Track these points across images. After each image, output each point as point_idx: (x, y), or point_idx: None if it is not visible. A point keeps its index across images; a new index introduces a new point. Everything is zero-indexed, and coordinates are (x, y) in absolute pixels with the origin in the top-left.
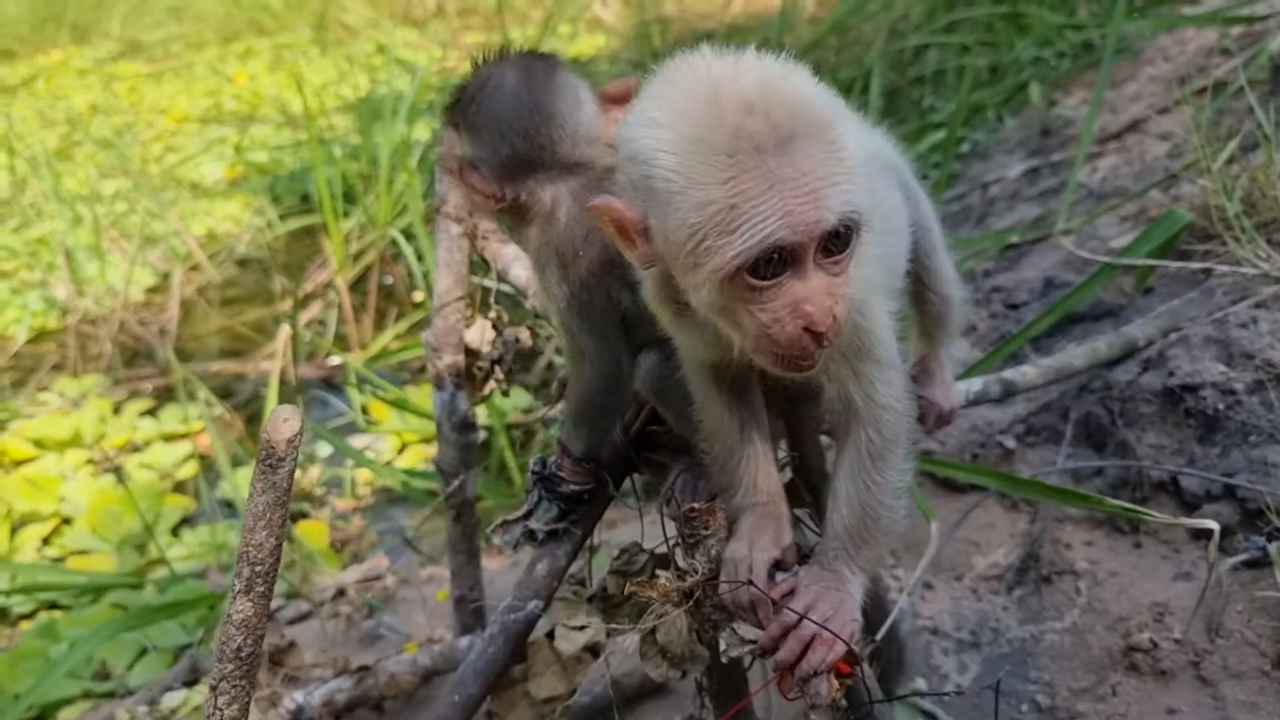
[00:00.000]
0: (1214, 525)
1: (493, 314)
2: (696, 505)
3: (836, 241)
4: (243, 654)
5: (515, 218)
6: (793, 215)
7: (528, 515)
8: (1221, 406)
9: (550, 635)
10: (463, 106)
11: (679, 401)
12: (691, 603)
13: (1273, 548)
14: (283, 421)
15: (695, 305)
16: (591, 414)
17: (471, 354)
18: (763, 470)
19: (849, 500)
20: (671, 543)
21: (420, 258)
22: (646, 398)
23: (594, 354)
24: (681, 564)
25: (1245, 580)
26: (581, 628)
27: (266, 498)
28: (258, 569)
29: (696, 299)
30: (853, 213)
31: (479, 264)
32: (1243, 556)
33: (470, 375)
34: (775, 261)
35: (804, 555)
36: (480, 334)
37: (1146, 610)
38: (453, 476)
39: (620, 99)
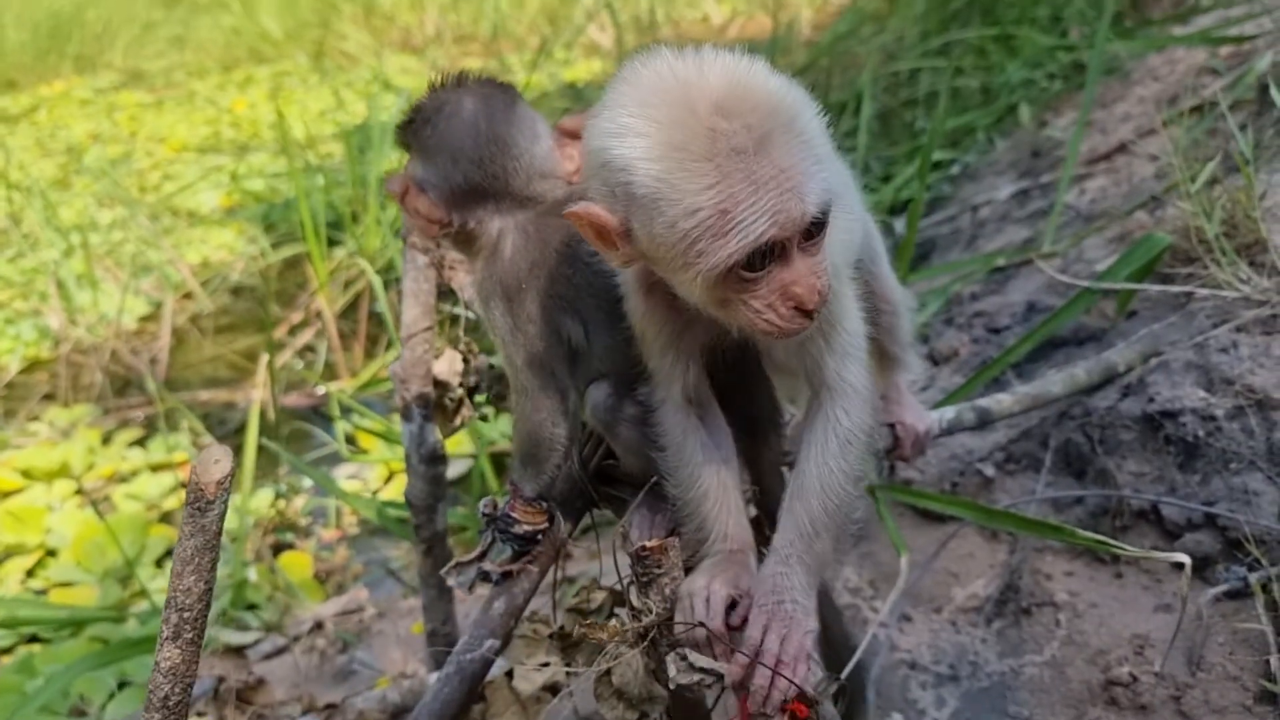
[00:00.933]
0: (1185, 559)
1: (462, 345)
2: (648, 544)
3: (814, 226)
4: (170, 702)
5: (460, 245)
6: (780, 214)
7: (481, 556)
8: (1202, 433)
9: (509, 675)
10: (416, 128)
11: (630, 435)
12: (647, 642)
13: (1254, 578)
14: (213, 463)
15: (684, 297)
16: (538, 452)
17: (440, 385)
18: (734, 518)
19: (814, 485)
20: (626, 581)
21: None
22: (596, 431)
23: (537, 389)
24: (636, 603)
25: (1227, 611)
26: (542, 666)
27: (195, 541)
28: (186, 615)
29: (686, 292)
30: (829, 199)
31: (449, 293)
32: (1223, 587)
33: (441, 407)
34: (764, 253)
35: None
36: (449, 365)
37: (1127, 643)
38: (422, 509)
39: (576, 134)
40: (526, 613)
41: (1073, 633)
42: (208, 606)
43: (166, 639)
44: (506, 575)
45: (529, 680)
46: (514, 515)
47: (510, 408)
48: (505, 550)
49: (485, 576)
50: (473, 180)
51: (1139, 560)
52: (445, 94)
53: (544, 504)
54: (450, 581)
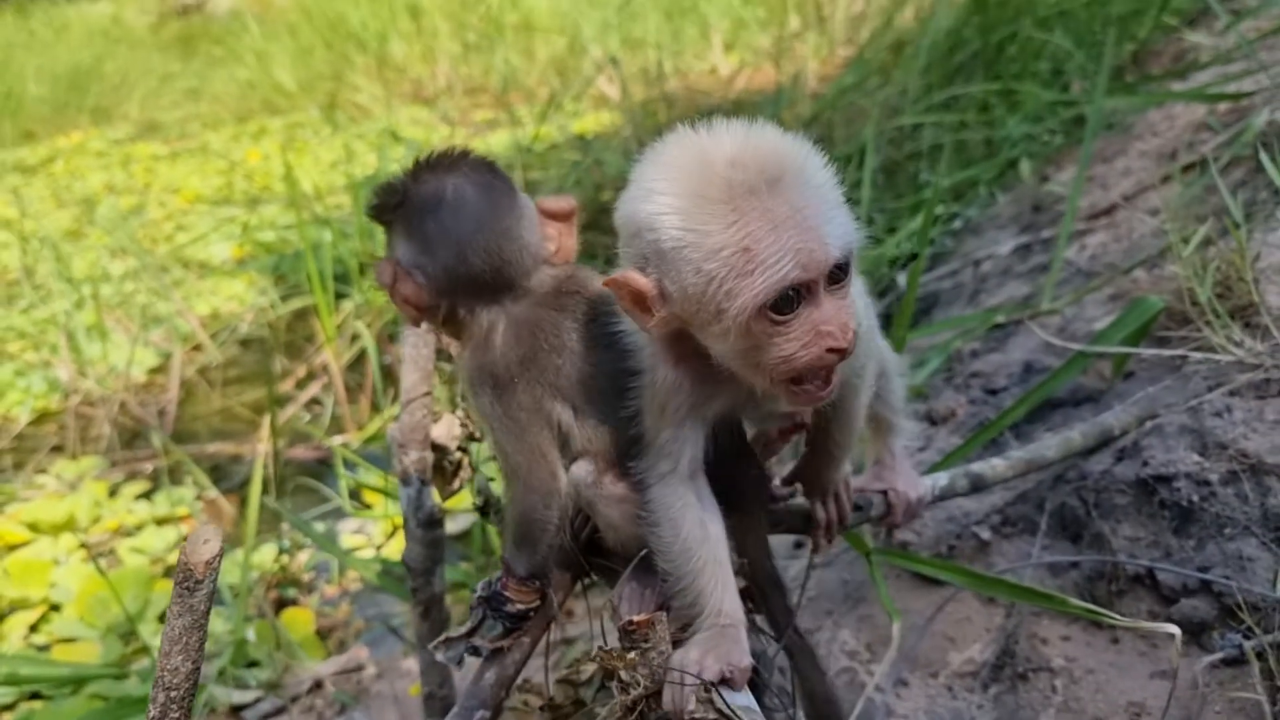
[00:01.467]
0: (1175, 630)
1: (460, 410)
2: (635, 618)
3: (839, 270)
4: None
5: (447, 329)
6: (802, 254)
7: (471, 633)
8: (1196, 498)
9: None
10: (411, 214)
11: (611, 513)
12: (635, 716)
13: (1249, 646)
14: (202, 543)
15: (717, 355)
16: (531, 533)
17: (438, 449)
18: (729, 594)
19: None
20: (616, 655)
21: None
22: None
23: (527, 472)
24: (624, 676)
25: (1224, 679)
26: None
27: (183, 620)
28: (173, 694)
29: (719, 348)
30: (850, 244)
31: (448, 356)
32: (1219, 655)
33: (440, 470)
34: (791, 297)
35: (755, 683)
36: (447, 429)
37: (1123, 710)
38: (420, 573)
39: (558, 215)
40: (519, 681)
41: (1069, 699)
42: (195, 686)
43: (154, 719)
44: (496, 651)
45: None
46: (506, 594)
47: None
48: (496, 627)
49: (475, 651)
50: (477, 273)
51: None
52: (440, 179)
53: (536, 583)
54: (439, 656)
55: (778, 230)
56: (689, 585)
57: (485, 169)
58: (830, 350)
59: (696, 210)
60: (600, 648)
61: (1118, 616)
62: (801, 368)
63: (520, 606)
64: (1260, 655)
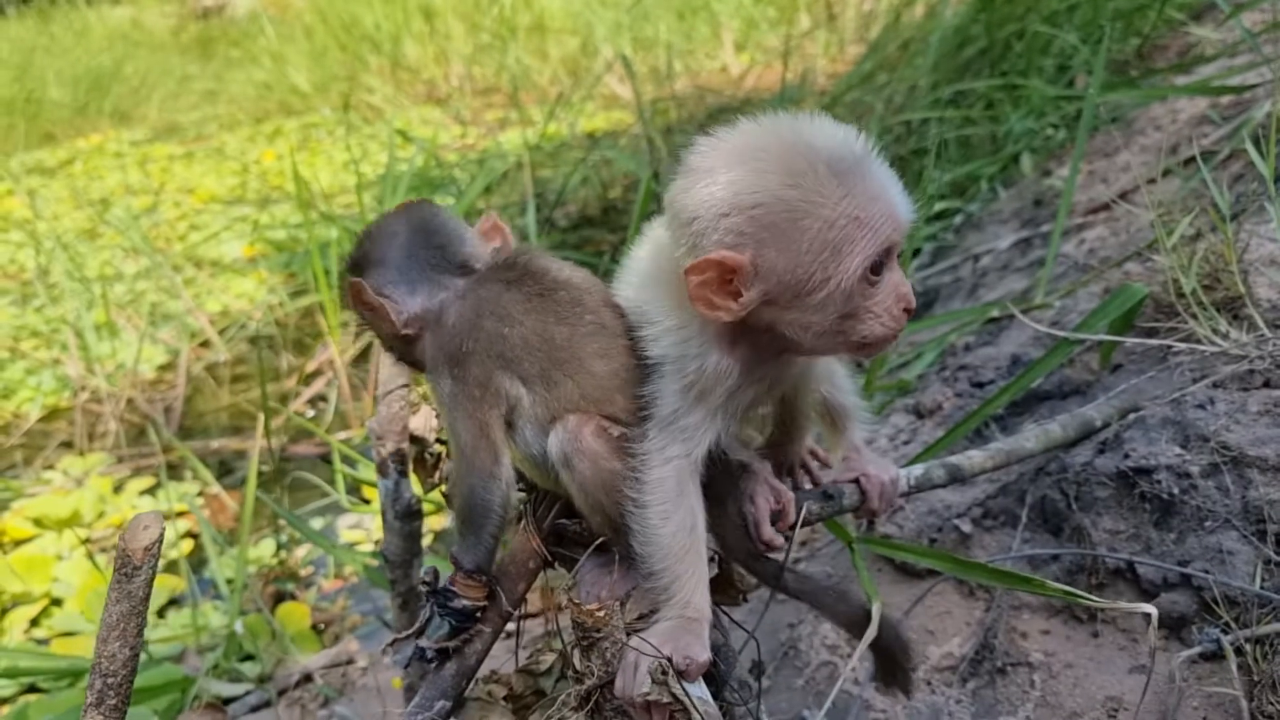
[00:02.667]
0: (1152, 610)
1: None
2: (587, 608)
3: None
4: None
5: (407, 345)
6: (894, 219)
7: (420, 632)
8: (1177, 491)
9: None
10: (363, 252)
11: (588, 471)
12: (591, 705)
13: (1227, 641)
14: (142, 529)
15: (799, 328)
16: (474, 517)
17: (417, 440)
18: (701, 588)
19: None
20: (570, 645)
21: None
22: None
23: (472, 450)
24: (578, 666)
25: (1202, 674)
26: None
27: (121, 607)
28: (110, 680)
29: (813, 318)
30: (913, 216)
31: None
32: (1198, 649)
33: (420, 461)
34: (881, 262)
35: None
36: (425, 421)
37: (1100, 705)
38: (398, 565)
39: (490, 234)
40: (484, 672)
41: (1047, 694)
42: (133, 673)
43: (90, 706)
44: (441, 654)
45: None
46: (453, 589)
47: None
48: (443, 626)
49: (421, 655)
50: (418, 259)
51: (1115, 619)
52: (383, 218)
53: (483, 578)
54: (387, 659)
55: (877, 200)
56: (664, 570)
57: (425, 203)
58: (904, 310)
59: (809, 185)
60: (574, 603)
61: (1095, 599)
62: (884, 329)
63: (467, 603)
64: (1239, 650)
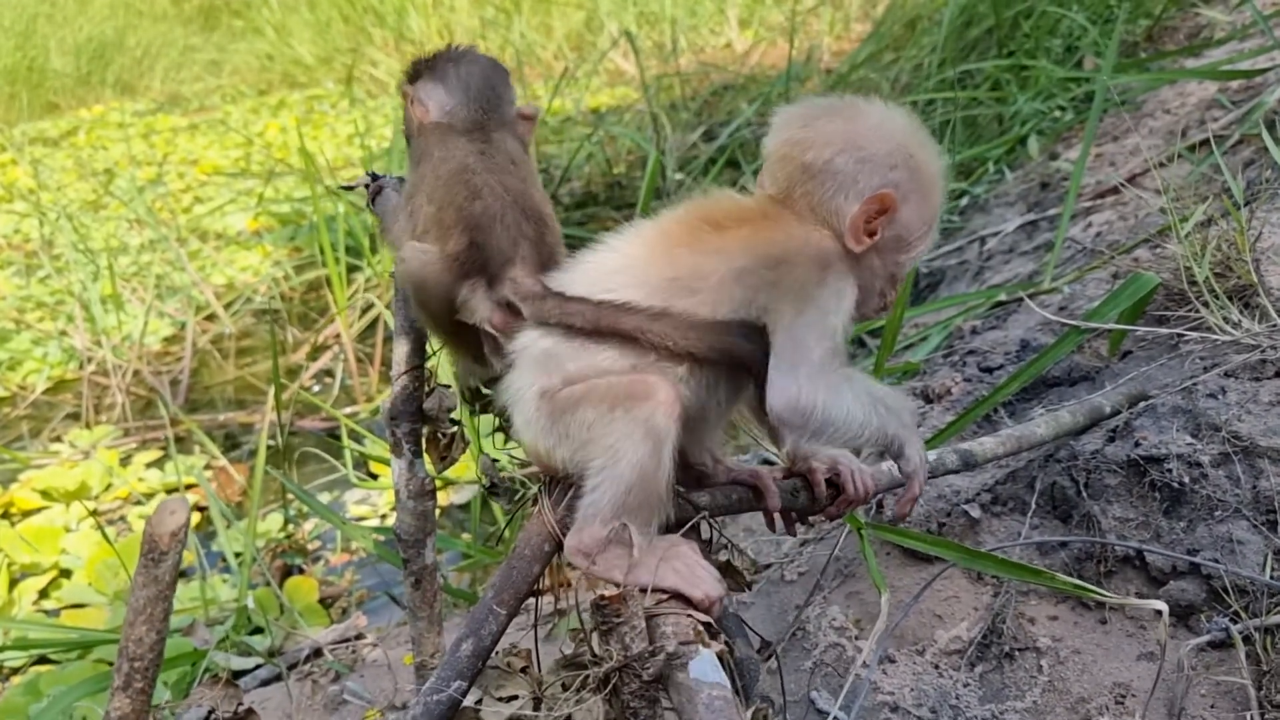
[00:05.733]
0: (1163, 606)
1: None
2: (607, 594)
3: None
4: None
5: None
6: None
7: None
8: (1187, 479)
9: (478, 704)
10: (436, 62)
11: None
12: (610, 689)
13: (1236, 630)
14: (168, 515)
15: (887, 269)
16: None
17: (431, 420)
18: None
19: None
20: (589, 629)
21: None
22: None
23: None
24: (597, 650)
25: (1210, 662)
26: (510, 699)
27: (148, 592)
28: (136, 664)
29: (902, 258)
30: None
31: None
32: (1206, 638)
33: (434, 441)
34: None
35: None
36: (439, 401)
37: (1108, 692)
38: (411, 544)
39: (527, 116)
40: (506, 644)
41: (1054, 679)
42: (160, 656)
43: (117, 688)
44: None
45: (497, 714)
46: None
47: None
48: None
49: None
50: (471, 106)
51: (1123, 606)
52: (463, 50)
53: None
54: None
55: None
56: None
57: (494, 60)
58: None
59: (940, 167)
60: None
61: (1106, 593)
62: (890, 300)
63: None
64: (1247, 639)
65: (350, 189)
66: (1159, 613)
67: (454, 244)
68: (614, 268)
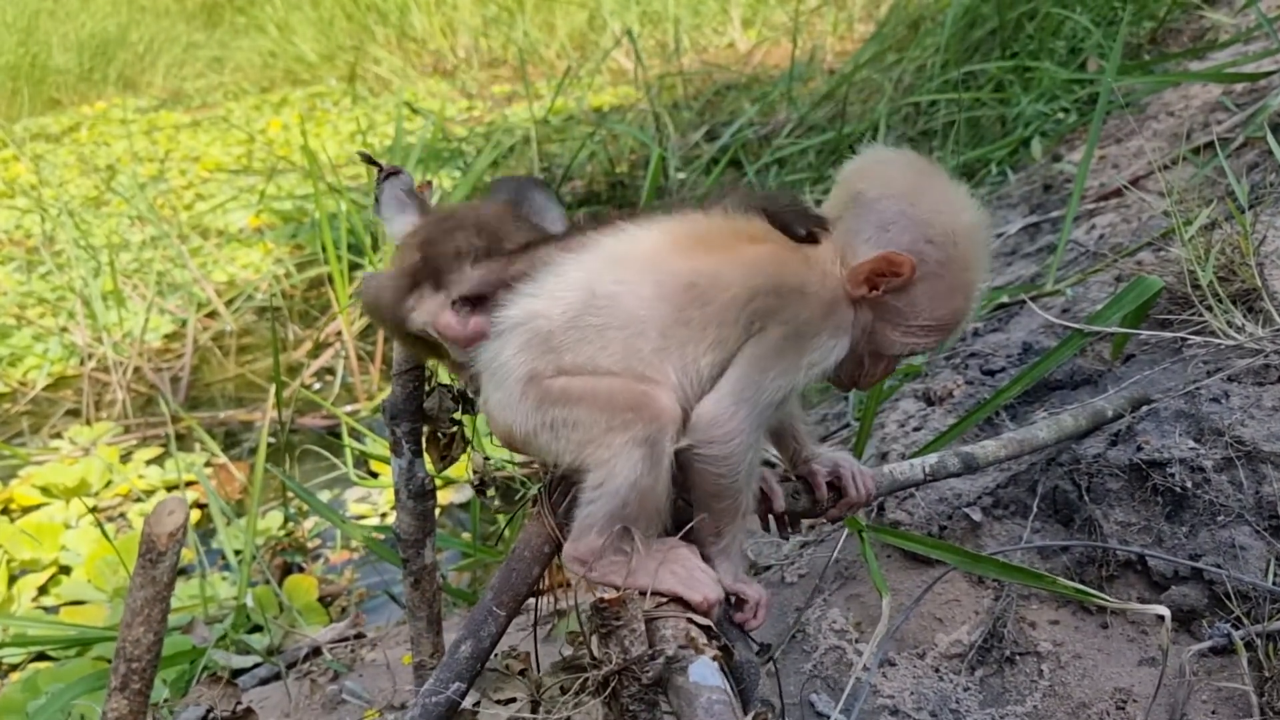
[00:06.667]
0: (1165, 611)
1: (459, 383)
2: (606, 596)
3: None
4: None
5: None
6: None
7: None
8: (1190, 484)
9: (476, 708)
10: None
11: None
12: (609, 692)
13: (1238, 636)
14: (166, 515)
15: (889, 342)
16: None
17: (432, 420)
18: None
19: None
20: (588, 631)
21: None
22: None
23: None
24: (596, 653)
25: (1212, 668)
26: (509, 701)
27: (146, 592)
28: (134, 665)
29: (878, 339)
30: None
31: None
32: (1208, 644)
33: (434, 441)
34: None
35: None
36: (439, 401)
37: (1109, 697)
38: (410, 544)
39: None
40: (505, 646)
41: (1055, 684)
42: (157, 657)
43: (114, 689)
44: None
45: (494, 717)
46: None
47: None
48: None
49: None
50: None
51: (1125, 611)
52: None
53: None
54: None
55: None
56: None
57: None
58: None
59: (980, 264)
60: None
61: (1108, 598)
62: (867, 383)
63: None
64: (1249, 645)
65: (370, 161)
66: (1161, 618)
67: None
68: (629, 258)
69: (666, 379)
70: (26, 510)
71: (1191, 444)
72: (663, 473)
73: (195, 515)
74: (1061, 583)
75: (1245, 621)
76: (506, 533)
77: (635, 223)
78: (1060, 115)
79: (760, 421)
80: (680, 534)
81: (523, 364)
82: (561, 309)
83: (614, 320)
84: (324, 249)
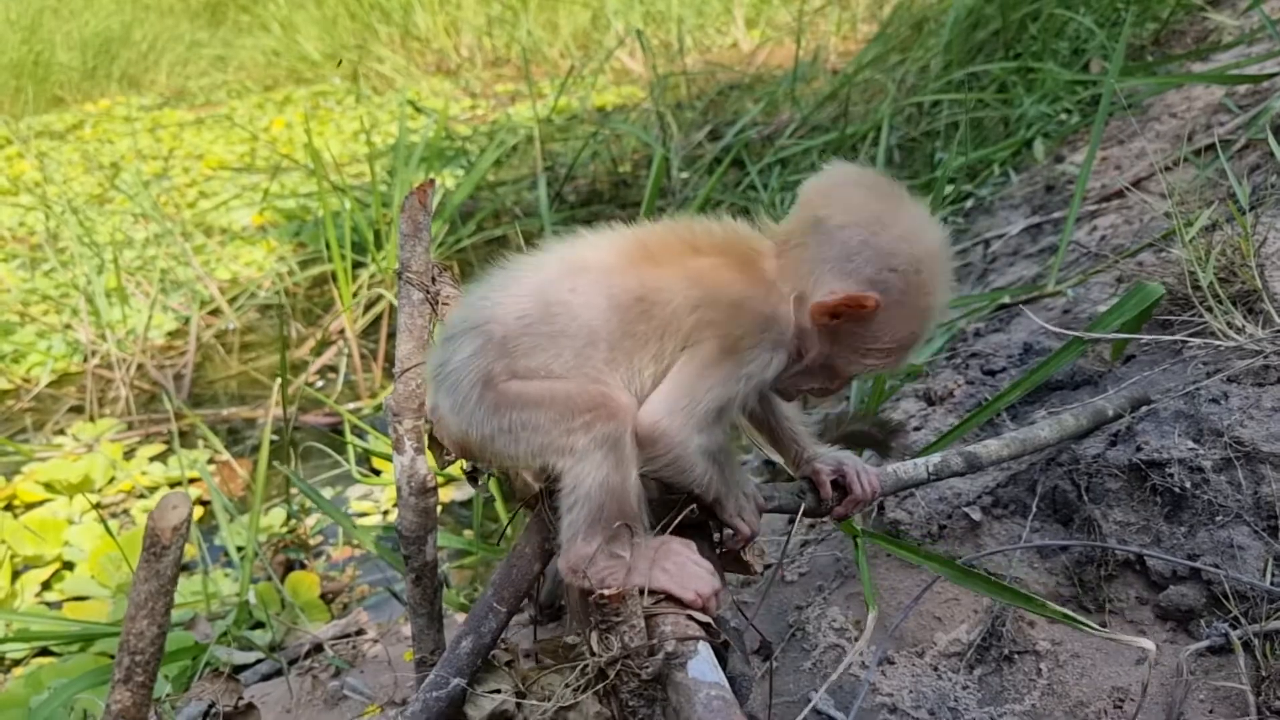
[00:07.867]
0: (1150, 646)
1: None
2: (606, 592)
3: None
4: None
5: None
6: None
7: None
8: (1189, 484)
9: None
10: None
11: None
12: (608, 688)
13: (1235, 635)
14: (170, 509)
15: (845, 364)
16: None
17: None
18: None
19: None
20: (588, 628)
21: None
22: None
23: None
24: (595, 649)
25: (1210, 667)
26: (494, 692)
27: (149, 586)
28: (138, 658)
29: (872, 346)
30: None
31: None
32: (1206, 643)
33: (435, 438)
34: None
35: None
36: None
37: (1107, 696)
38: (412, 541)
39: None
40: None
41: (1053, 683)
42: (160, 650)
43: (118, 681)
44: None
45: (478, 707)
46: None
47: None
48: None
49: None
50: None
51: (1123, 611)
52: None
53: None
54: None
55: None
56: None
57: None
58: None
59: (942, 272)
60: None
61: (1095, 626)
62: (832, 393)
63: None
64: (1247, 645)
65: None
66: (1169, 615)
67: None
68: (583, 268)
69: (620, 379)
70: (30, 506)
71: (1191, 444)
72: (630, 469)
73: (198, 512)
74: (1052, 608)
75: (1243, 621)
76: (509, 530)
77: (594, 233)
78: (1063, 116)
79: (701, 427)
80: (670, 528)
81: (477, 368)
82: (516, 315)
83: (567, 329)
84: (327, 247)
